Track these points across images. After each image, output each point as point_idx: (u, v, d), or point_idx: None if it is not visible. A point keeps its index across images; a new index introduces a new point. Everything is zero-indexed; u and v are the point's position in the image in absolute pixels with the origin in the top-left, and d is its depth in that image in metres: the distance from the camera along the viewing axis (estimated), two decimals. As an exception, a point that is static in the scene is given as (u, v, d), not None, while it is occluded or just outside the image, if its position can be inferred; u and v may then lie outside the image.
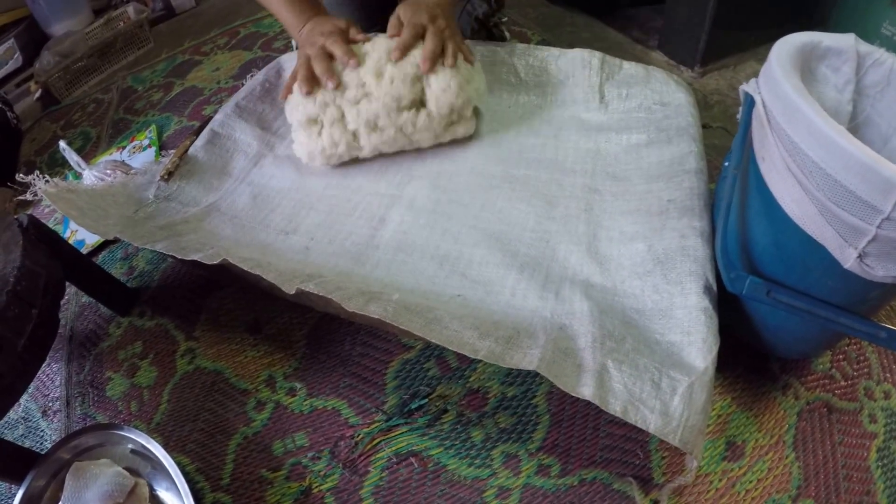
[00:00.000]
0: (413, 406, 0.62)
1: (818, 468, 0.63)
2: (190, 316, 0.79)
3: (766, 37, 1.22)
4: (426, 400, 0.63)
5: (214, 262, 0.61)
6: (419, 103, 0.74)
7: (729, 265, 0.56)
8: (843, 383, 0.71)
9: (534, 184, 0.71)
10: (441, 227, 0.67)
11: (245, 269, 0.59)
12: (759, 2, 1.12)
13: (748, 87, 0.57)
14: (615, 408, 0.47)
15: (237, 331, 0.76)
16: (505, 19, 1.02)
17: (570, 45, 1.04)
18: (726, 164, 0.65)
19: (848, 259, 0.49)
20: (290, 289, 0.56)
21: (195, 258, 0.62)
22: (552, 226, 0.66)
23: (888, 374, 0.73)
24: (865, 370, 0.73)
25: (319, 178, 0.78)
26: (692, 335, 0.54)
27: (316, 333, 0.72)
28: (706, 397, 0.50)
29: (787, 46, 0.57)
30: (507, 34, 1.02)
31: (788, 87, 0.50)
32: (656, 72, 0.82)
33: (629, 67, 0.83)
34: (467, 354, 0.49)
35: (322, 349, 0.71)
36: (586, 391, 0.47)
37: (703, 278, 0.58)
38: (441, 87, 0.72)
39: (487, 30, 0.98)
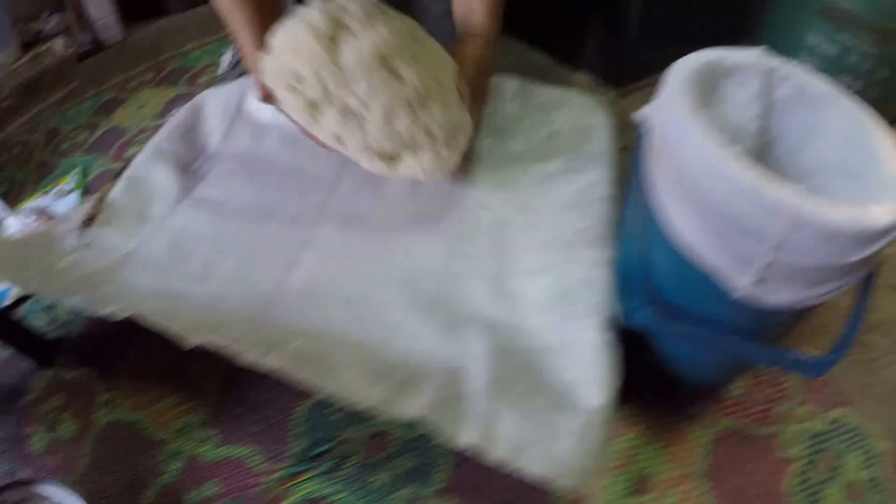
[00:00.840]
0: (318, 451, 0.64)
1: (732, 498, 0.63)
2: (110, 365, 0.80)
3: (699, 48, 1.26)
4: (330, 445, 0.64)
5: (122, 317, 0.62)
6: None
7: (628, 297, 0.56)
8: (758, 408, 0.70)
9: (444, 220, 0.72)
10: (350, 269, 0.69)
11: (151, 323, 0.60)
12: (684, 18, 1.14)
13: (641, 114, 0.58)
14: (499, 454, 0.48)
15: (154, 380, 0.76)
16: None
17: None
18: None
19: (740, 288, 0.50)
20: (191, 342, 0.57)
21: (106, 313, 0.63)
22: (461, 263, 0.68)
23: (806, 397, 0.73)
24: (782, 394, 0.73)
25: (234, 221, 0.78)
26: (591, 372, 0.55)
27: (228, 380, 0.73)
28: (602, 436, 0.51)
29: (685, 67, 0.57)
30: None
31: (679, 113, 0.50)
32: (574, 95, 0.84)
33: (546, 92, 0.84)
34: (356, 403, 0.50)
35: (233, 396, 0.72)
36: (469, 438, 0.48)
37: (606, 312, 0.59)
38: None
39: None
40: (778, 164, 0.69)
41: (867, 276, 0.54)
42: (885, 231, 0.46)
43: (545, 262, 0.65)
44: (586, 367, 0.56)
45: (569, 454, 0.49)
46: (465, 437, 0.49)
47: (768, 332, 0.59)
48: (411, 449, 0.64)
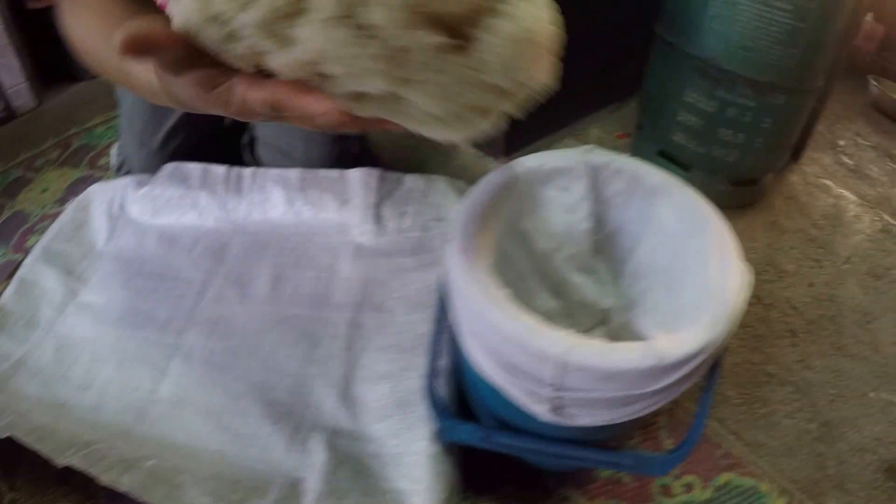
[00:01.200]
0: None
1: None
2: (12, 467, 0.84)
3: (581, 110, 1.30)
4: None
5: (3, 436, 0.66)
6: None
7: (440, 415, 0.57)
8: (632, 486, 0.70)
9: (302, 323, 0.77)
10: (212, 380, 0.73)
11: (27, 443, 0.65)
12: (564, 82, 1.18)
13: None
14: None
15: (50, 482, 0.80)
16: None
17: (382, 146, 1.09)
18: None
19: (542, 414, 0.51)
20: (59, 463, 0.62)
21: None
22: (312, 369, 0.72)
23: (690, 466, 0.73)
24: None
25: (113, 328, 0.82)
26: (418, 483, 0.59)
27: (113, 483, 0.78)
28: None
29: (488, 186, 0.58)
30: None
31: (452, 258, 0.52)
32: (438, 182, 0.87)
33: (409, 181, 0.87)
34: None
35: (118, 497, 0.75)
36: None
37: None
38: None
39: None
40: (615, 261, 0.71)
41: (711, 370, 0.56)
42: (676, 365, 0.46)
43: (388, 368, 0.69)
44: (415, 478, 0.59)
45: None
46: None
47: (599, 437, 0.60)
48: None
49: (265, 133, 0.95)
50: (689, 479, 0.72)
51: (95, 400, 0.76)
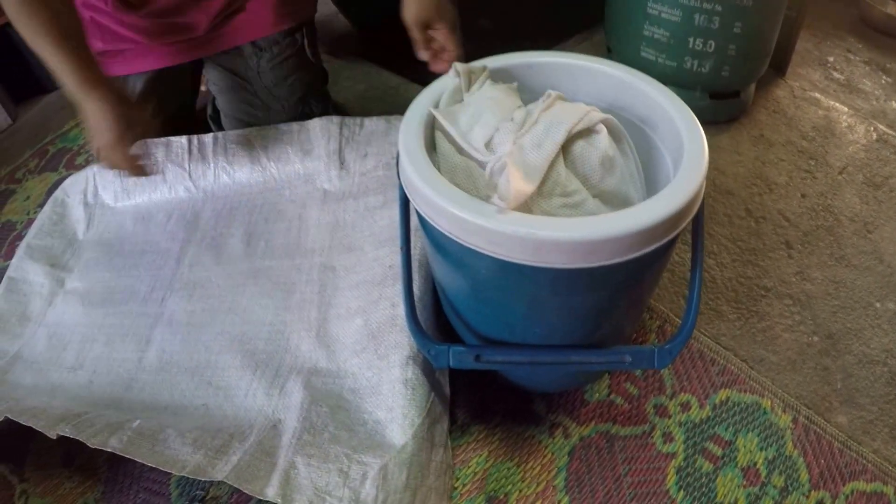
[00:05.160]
0: (191, 511, 0.72)
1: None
2: (21, 459, 0.88)
3: (549, 41, 1.31)
4: (200, 502, 0.73)
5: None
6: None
7: (424, 342, 0.57)
8: (625, 407, 0.70)
9: (275, 274, 0.80)
10: (194, 339, 0.77)
11: (21, 422, 0.69)
12: (522, 13, 1.20)
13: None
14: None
15: (56, 466, 0.85)
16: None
17: (345, 101, 1.12)
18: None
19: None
20: (52, 434, 0.66)
21: None
22: (288, 316, 0.75)
23: (686, 384, 0.73)
24: (655, 386, 0.73)
25: (100, 308, 0.87)
26: (394, 411, 0.61)
27: (113, 456, 0.80)
28: (407, 474, 0.56)
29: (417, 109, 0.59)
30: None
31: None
32: (398, 121, 0.89)
33: (370, 124, 0.90)
34: (176, 472, 0.58)
35: (119, 470, 0.80)
36: (270, 492, 0.55)
37: (408, 348, 0.65)
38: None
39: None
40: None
41: (694, 246, 0.56)
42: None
43: (359, 304, 0.72)
44: (389, 407, 0.62)
45: (369, 497, 0.54)
46: (266, 491, 0.55)
47: (595, 324, 0.58)
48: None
49: (226, 106, 0.99)
50: (685, 397, 0.72)
51: (87, 378, 0.80)
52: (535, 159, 0.49)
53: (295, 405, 0.64)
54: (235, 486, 0.56)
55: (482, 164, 0.53)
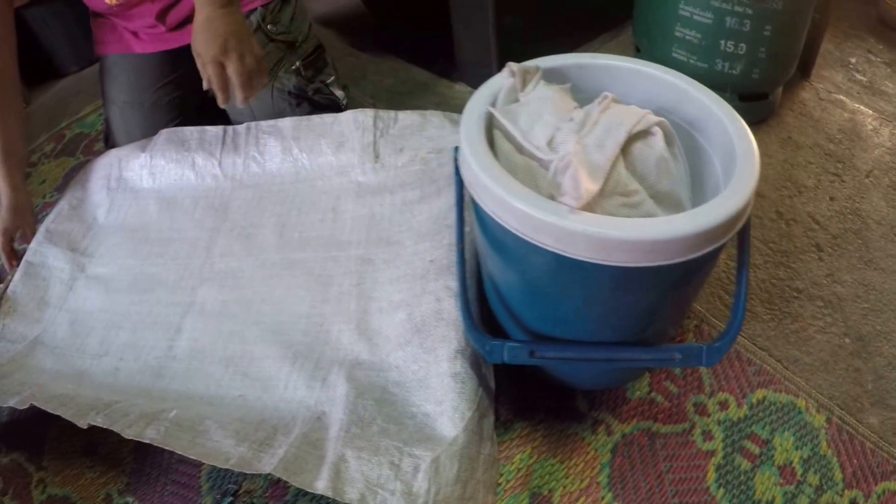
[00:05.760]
0: (224, 504, 0.71)
1: (643, 501, 0.63)
2: (38, 447, 0.87)
3: (569, 42, 1.30)
4: (233, 497, 0.71)
5: (25, 407, 0.69)
6: None
7: (479, 338, 0.57)
8: (666, 405, 0.70)
9: (310, 265, 0.79)
10: (227, 329, 0.75)
11: (49, 409, 0.67)
12: (549, 11, 1.18)
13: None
14: (352, 496, 0.53)
15: (76, 455, 0.83)
16: (331, 79, 1.06)
17: (374, 97, 1.10)
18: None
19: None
20: (82, 424, 0.64)
21: (11, 403, 0.70)
22: (326, 307, 0.74)
23: (724, 383, 0.74)
24: (694, 385, 0.73)
25: (124, 295, 0.85)
26: (443, 404, 0.60)
27: (140, 447, 0.79)
28: (458, 467, 0.56)
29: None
30: (339, 93, 1.06)
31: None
32: (433, 116, 0.89)
33: (404, 118, 0.89)
34: (219, 465, 0.57)
35: (146, 461, 0.78)
36: (320, 485, 0.54)
37: (456, 342, 0.64)
38: None
39: (309, 100, 1.03)
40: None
41: (740, 249, 0.57)
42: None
43: (402, 297, 0.71)
44: (438, 400, 0.61)
45: (421, 489, 0.54)
46: (316, 484, 0.54)
47: (645, 322, 0.59)
48: (308, 493, 0.68)
49: (233, 112, 0.99)
50: (723, 396, 0.73)
51: (112, 365, 0.78)
52: (599, 159, 0.50)
53: (340, 397, 0.63)
54: (283, 478, 0.55)
55: (543, 164, 0.54)
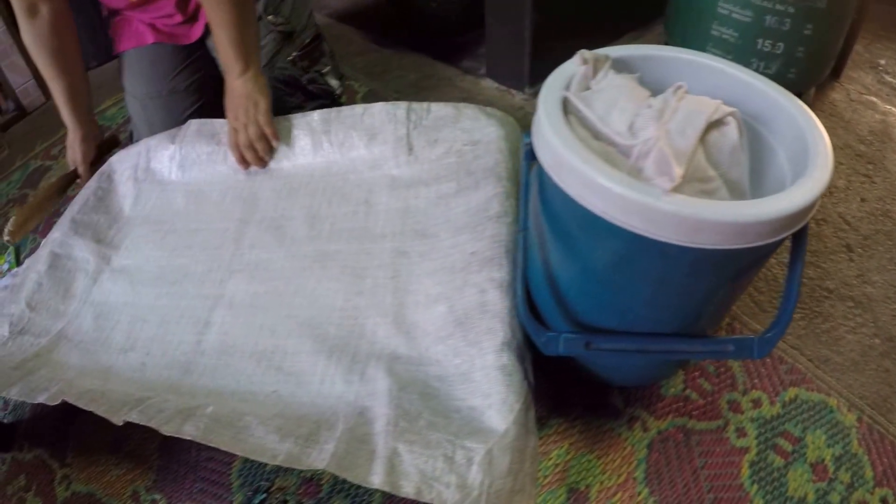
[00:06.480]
0: (255, 502, 0.70)
1: (679, 499, 0.64)
2: (61, 443, 0.86)
3: (600, 39, 1.29)
4: (266, 494, 0.70)
5: (56, 403, 0.68)
6: None
7: (536, 329, 0.58)
8: (700, 402, 0.71)
9: (343, 258, 0.77)
10: (258, 323, 0.74)
11: (80, 405, 0.66)
12: (581, 8, 1.17)
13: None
14: (408, 490, 0.52)
15: (102, 452, 0.83)
16: (327, 69, 1.06)
17: (398, 91, 1.10)
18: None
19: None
20: (117, 420, 0.63)
21: (41, 400, 0.69)
22: (360, 301, 0.72)
23: (756, 381, 0.74)
24: (728, 382, 0.74)
25: (150, 288, 0.84)
26: (491, 397, 0.59)
27: (167, 444, 0.79)
28: (510, 459, 0.55)
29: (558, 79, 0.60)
30: (334, 83, 1.06)
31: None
32: (467, 109, 0.86)
33: (438, 110, 0.87)
34: (267, 462, 0.55)
35: (173, 458, 0.78)
36: (376, 479, 0.53)
37: (502, 334, 0.63)
38: None
39: (302, 89, 1.03)
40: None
41: (795, 242, 0.57)
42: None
43: (441, 290, 0.69)
44: (485, 394, 0.60)
45: (475, 482, 0.53)
46: (372, 479, 0.53)
47: (700, 313, 0.59)
48: (341, 490, 0.69)
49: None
50: (756, 394, 0.73)
51: (139, 360, 0.77)
52: (682, 144, 0.51)
53: (382, 392, 0.62)
54: (336, 474, 0.53)
55: (622, 149, 0.54)
